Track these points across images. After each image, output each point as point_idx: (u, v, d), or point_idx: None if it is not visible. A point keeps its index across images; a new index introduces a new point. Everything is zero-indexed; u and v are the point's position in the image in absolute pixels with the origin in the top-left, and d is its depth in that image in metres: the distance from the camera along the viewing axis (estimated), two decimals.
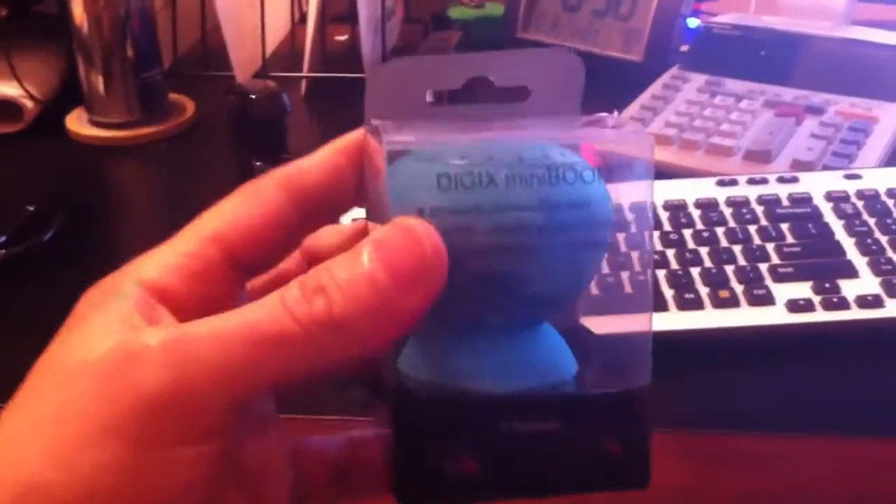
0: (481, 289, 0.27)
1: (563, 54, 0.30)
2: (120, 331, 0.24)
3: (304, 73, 0.93)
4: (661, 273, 0.57)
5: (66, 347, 0.25)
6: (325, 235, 0.31)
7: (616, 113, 0.77)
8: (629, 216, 0.30)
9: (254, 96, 0.82)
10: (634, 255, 0.32)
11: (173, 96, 0.92)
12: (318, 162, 0.29)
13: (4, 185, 0.81)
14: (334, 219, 0.30)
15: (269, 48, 0.97)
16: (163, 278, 0.26)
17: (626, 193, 0.29)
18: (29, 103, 0.87)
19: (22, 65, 0.88)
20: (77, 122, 0.88)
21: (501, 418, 0.27)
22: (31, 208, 0.70)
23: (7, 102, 0.87)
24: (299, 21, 1.06)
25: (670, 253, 0.59)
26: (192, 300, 0.26)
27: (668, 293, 0.56)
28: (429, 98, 0.30)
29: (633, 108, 0.80)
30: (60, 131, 0.88)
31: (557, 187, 0.27)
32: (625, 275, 0.33)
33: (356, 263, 0.24)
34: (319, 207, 0.28)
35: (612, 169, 0.28)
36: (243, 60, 0.92)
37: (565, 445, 0.27)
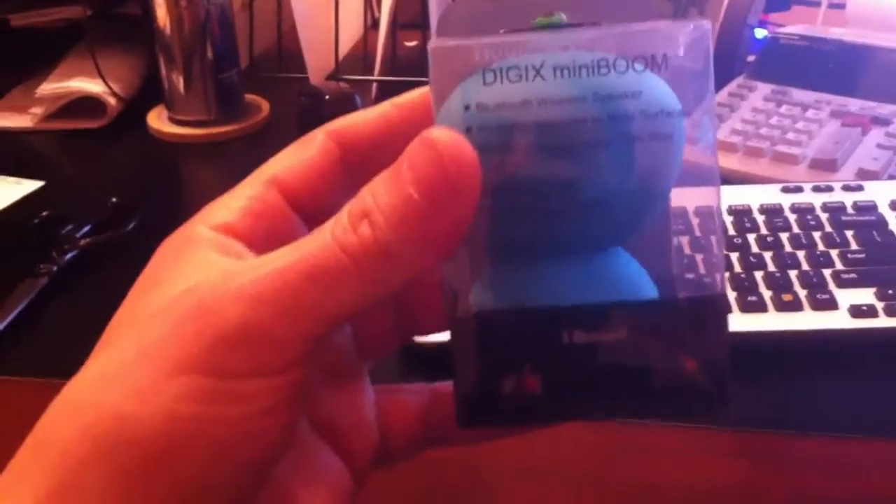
0: (536, 197, 0.26)
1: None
2: (197, 274, 0.25)
3: (375, 77, 0.95)
4: (700, 258, 0.58)
5: (145, 294, 0.26)
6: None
7: None
8: (694, 220, 0.29)
9: (327, 98, 0.84)
10: (699, 258, 0.33)
11: (249, 96, 0.94)
12: (370, 115, 0.29)
13: (89, 177, 0.84)
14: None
15: (342, 52, 0.99)
16: (231, 220, 0.27)
17: (691, 198, 0.28)
18: (112, 100, 0.91)
19: (106, 63, 0.91)
20: (157, 120, 0.91)
21: (562, 329, 0.26)
22: (115, 200, 0.73)
23: (91, 99, 0.90)
24: (371, 26, 1.08)
25: (734, 256, 0.60)
26: (260, 239, 0.27)
27: (732, 295, 0.57)
28: None
29: None
30: (141, 128, 0.91)
31: (608, 77, 0.25)
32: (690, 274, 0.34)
33: (396, 182, 0.24)
34: (369, 157, 0.29)
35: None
36: (317, 63, 0.94)
37: (633, 359, 0.26)
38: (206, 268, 0.26)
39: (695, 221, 0.28)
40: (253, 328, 0.24)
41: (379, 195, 0.24)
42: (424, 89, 0.28)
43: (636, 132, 0.25)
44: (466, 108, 0.25)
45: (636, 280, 0.27)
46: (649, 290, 0.27)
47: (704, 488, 0.48)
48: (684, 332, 0.26)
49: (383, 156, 0.26)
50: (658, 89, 0.26)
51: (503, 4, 0.28)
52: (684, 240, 0.29)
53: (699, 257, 0.28)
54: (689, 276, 0.28)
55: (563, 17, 0.27)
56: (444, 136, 0.24)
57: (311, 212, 0.29)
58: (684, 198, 0.27)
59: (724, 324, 0.26)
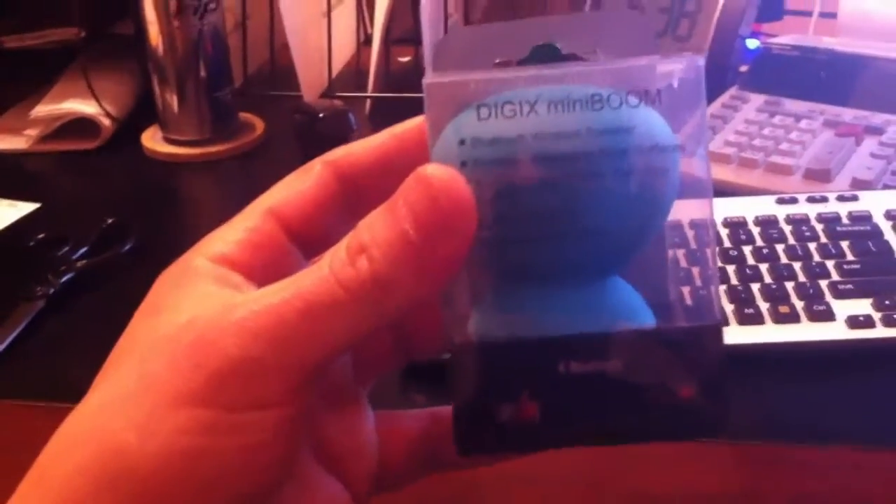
0: (531, 227, 0.26)
1: (632, 15, 0.29)
2: (195, 306, 0.25)
3: (369, 93, 0.95)
4: (720, 288, 0.58)
5: (145, 325, 0.26)
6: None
7: None
8: (689, 233, 0.29)
9: (321, 115, 0.84)
10: (695, 270, 0.33)
11: (243, 115, 0.94)
12: (368, 145, 0.29)
13: (84, 198, 0.84)
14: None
15: (336, 69, 0.99)
16: (229, 252, 0.27)
17: (685, 210, 0.28)
18: (106, 121, 0.91)
19: (99, 84, 0.91)
20: (151, 139, 0.91)
21: (559, 359, 0.26)
22: (110, 221, 0.73)
23: (85, 120, 0.90)
24: (364, 43, 1.09)
25: (730, 269, 0.60)
26: (259, 270, 0.27)
27: (729, 308, 0.57)
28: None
29: None
30: (136, 147, 0.91)
31: (602, 112, 0.26)
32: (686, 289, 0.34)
33: (392, 218, 0.25)
34: (367, 187, 0.29)
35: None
36: (310, 81, 0.94)
37: (630, 388, 0.26)
38: (204, 299, 0.26)
39: (690, 234, 0.28)
40: (251, 361, 0.24)
41: (376, 230, 0.25)
42: (420, 118, 0.28)
43: (631, 166, 0.26)
44: (461, 142, 0.26)
45: (633, 308, 0.27)
46: (646, 318, 0.27)
47: (700, 497, 0.48)
48: (681, 359, 0.26)
49: (382, 186, 0.26)
50: (652, 124, 0.26)
51: (497, 35, 0.28)
52: (680, 253, 0.29)
53: (695, 270, 0.28)
54: (685, 301, 0.28)
55: (558, 46, 0.27)
56: (438, 172, 0.24)
57: (308, 242, 0.29)
58: (679, 211, 0.28)
59: (721, 348, 0.27)
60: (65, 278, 0.66)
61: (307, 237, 0.29)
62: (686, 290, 0.28)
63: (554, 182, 0.26)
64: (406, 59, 1.07)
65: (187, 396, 0.24)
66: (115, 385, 0.25)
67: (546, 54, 0.27)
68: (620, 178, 0.26)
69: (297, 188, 0.29)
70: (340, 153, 0.29)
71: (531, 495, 0.48)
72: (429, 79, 0.26)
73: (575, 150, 0.26)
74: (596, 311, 0.27)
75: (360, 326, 0.25)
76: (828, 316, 0.56)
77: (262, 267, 0.27)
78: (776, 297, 0.57)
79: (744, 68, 0.92)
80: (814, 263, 0.60)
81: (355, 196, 0.29)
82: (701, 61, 0.27)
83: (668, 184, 0.26)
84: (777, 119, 0.80)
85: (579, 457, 0.49)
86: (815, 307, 0.56)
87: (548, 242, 0.26)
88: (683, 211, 0.28)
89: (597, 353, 0.26)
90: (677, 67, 0.27)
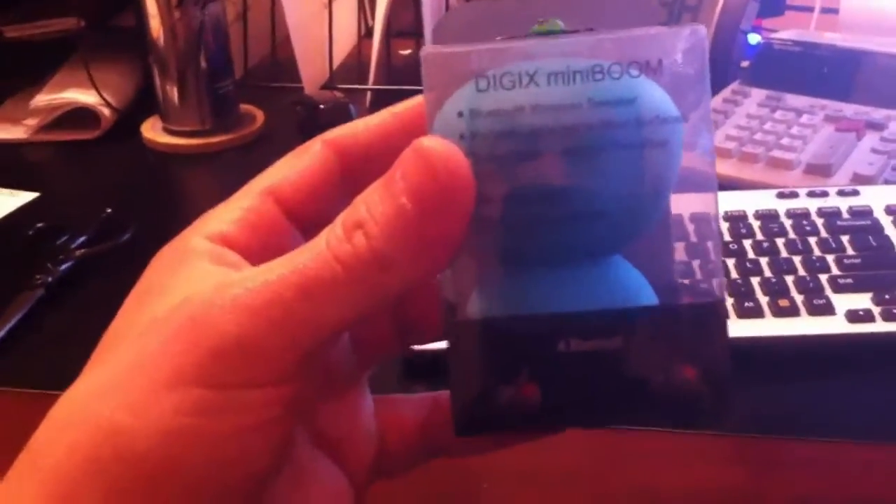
0: (531, 204, 0.25)
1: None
2: (192, 284, 0.25)
3: (370, 86, 0.95)
4: (697, 263, 0.58)
5: (140, 305, 0.26)
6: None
7: None
8: (690, 226, 0.29)
9: (321, 107, 0.84)
10: (696, 263, 0.33)
11: (244, 107, 0.94)
12: (368, 124, 0.29)
13: (84, 188, 0.84)
14: None
15: (336, 61, 0.99)
16: (227, 231, 0.27)
17: (688, 204, 0.28)
18: (106, 111, 0.91)
19: (100, 74, 0.91)
20: (152, 130, 0.91)
21: (559, 337, 0.25)
22: (109, 211, 0.73)
23: (85, 110, 0.90)
24: (365, 35, 1.09)
25: (731, 262, 0.60)
26: (256, 250, 0.27)
27: (728, 301, 0.57)
28: None
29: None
30: (136, 138, 0.91)
31: (602, 83, 0.25)
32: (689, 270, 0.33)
33: (389, 192, 0.24)
34: (367, 167, 0.28)
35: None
36: (311, 73, 0.94)
37: (631, 367, 0.25)
38: (201, 278, 0.25)
39: (691, 227, 0.28)
40: (247, 340, 0.23)
41: (372, 205, 0.24)
42: (421, 97, 0.28)
43: (632, 138, 0.25)
44: (460, 114, 0.25)
45: (635, 288, 0.27)
46: (649, 298, 0.27)
47: (702, 493, 0.48)
48: (683, 339, 0.26)
49: (381, 165, 0.26)
50: (654, 95, 0.26)
51: (499, 12, 0.28)
52: (680, 246, 0.29)
53: (696, 263, 0.28)
54: (688, 282, 0.28)
55: (560, 23, 0.27)
56: (435, 144, 0.24)
57: (307, 221, 0.28)
58: (681, 204, 0.27)
59: (724, 330, 0.26)
60: (63, 267, 0.66)
61: (306, 217, 0.28)
62: (689, 270, 0.28)
63: (554, 155, 0.25)
64: (407, 51, 1.07)
65: (182, 376, 0.23)
66: (108, 367, 0.24)
67: (548, 31, 0.27)
68: (622, 150, 0.25)
69: (295, 167, 0.28)
70: (340, 132, 0.29)
71: (532, 492, 0.48)
72: (427, 50, 0.26)
73: (575, 121, 0.25)
74: (597, 290, 0.26)
75: (359, 305, 0.24)
76: (827, 310, 0.56)
77: (260, 246, 0.27)
78: (776, 290, 0.57)
79: (745, 63, 0.91)
80: (814, 258, 0.60)
81: (355, 174, 0.29)
82: (703, 31, 0.26)
83: (670, 156, 0.26)
84: (778, 114, 0.80)
85: (580, 453, 0.49)
86: (814, 301, 0.56)
87: (548, 219, 0.26)
88: (686, 205, 0.27)
89: (597, 332, 0.26)
90: (680, 37, 0.26)
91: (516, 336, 0.26)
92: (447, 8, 0.92)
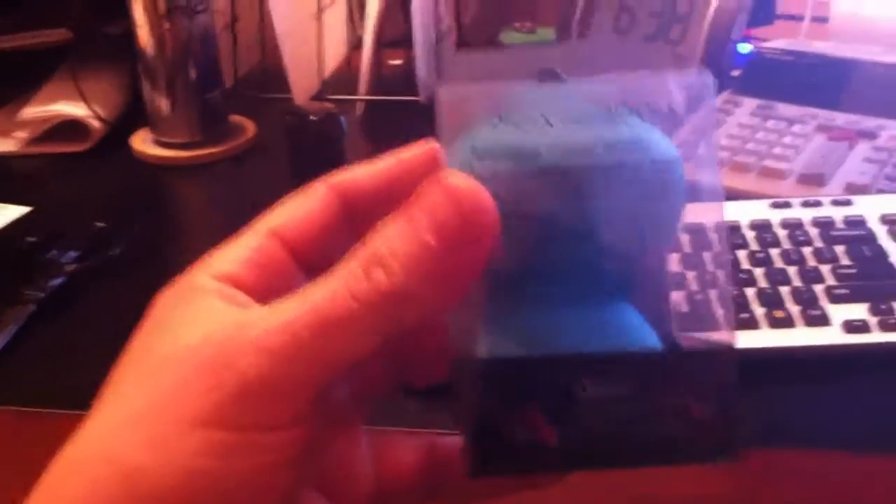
0: (545, 242, 0.26)
1: (636, 45, 0.30)
2: (205, 323, 0.25)
3: (360, 96, 0.95)
4: (714, 293, 0.58)
5: (151, 342, 0.26)
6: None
7: None
8: (706, 255, 0.29)
9: (312, 118, 0.84)
10: (691, 274, 0.33)
11: (234, 117, 0.94)
12: (372, 169, 0.29)
13: (74, 201, 0.83)
14: None
15: (327, 71, 0.99)
16: (234, 271, 0.27)
17: (693, 214, 0.28)
18: (96, 123, 0.90)
19: (89, 86, 0.91)
20: (142, 142, 0.90)
21: (571, 378, 0.26)
22: (101, 224, 0.72)
23: (75, 122, 0.90)
24: (355, 45, 1.08)
25: (725, 273, 0.59)
26: (262, 290, 0.27)
27: (722, 312, 0.56)
28: None
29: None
30: (126, 150, 0.90)
31: (613, 126, 0.26)
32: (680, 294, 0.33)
33: (410, 228, 0.24)
34: (370, 211, 0.28)
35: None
36: (301, 83, 0.94)
37: (643, 409, 0.26)
38: (214, 316, 0.25)
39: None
40: (266, 381, 0.24)
41: (392, 241, 0.24)
42: (428, 143, 0.28)
43: (639, 179, 0.26)
44: (475, 154, 0.26)
45: (641, 332, 0.27)
46: (654, 342, 0.27)
47: (697, 500, 0.48)
48: (690, 382, 0.26)
49: (384, 209, 0.26)
50: (659, 139, 0.26)
51: (504, 60, 0.28)
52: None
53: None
54: (696, 326, 0.28)
55: (563, 75, 0.27)
56: (461, 181, 0.24)
57: (311, 263, 0.29)
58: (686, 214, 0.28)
59: (733, 371, 0.26)
60: (55, 283, 0.65)
61: (310, 258, 0.29)
62: (697, 322, 0.28)
63: (567, 195, 0.26)
64: (397, 62, 1.07)
65: (203, 417, 0.24)
66: (123, 404, 0.25)
67: (551, 77, 0.27)
68: (628, 190, 0.26)
69: (300, 209, 0.29)
70: (344, 176, 0.29)
71: (529, 501, 0.48)
72: (443, 90, 0.26)
73: (587, 163, 0.25)
74: (608, 331, 0.27)
75: (372, 340, 0.25)
76: (823, 321, 0.56)
77: (266, 286, 0.27)
78: (771, 301, 0.57)
79: (736, 73, 0.92)
80: (809, 268, 0.60)
81: (358, 218, 0.29)
82: (710, 78, 0.27)
83: (675, 198, 0.27)
84: (770, 123, 0.80)
85: None
86: (810, 312, 0.56)
87: (559, 257, 0.26)
88: (691, 214, 0.28)
89: (609, 374, 0.26)
90: (686, 82, 0.27)
91: (531, 376, 0.26)
92: (437, 18, 0.92)
